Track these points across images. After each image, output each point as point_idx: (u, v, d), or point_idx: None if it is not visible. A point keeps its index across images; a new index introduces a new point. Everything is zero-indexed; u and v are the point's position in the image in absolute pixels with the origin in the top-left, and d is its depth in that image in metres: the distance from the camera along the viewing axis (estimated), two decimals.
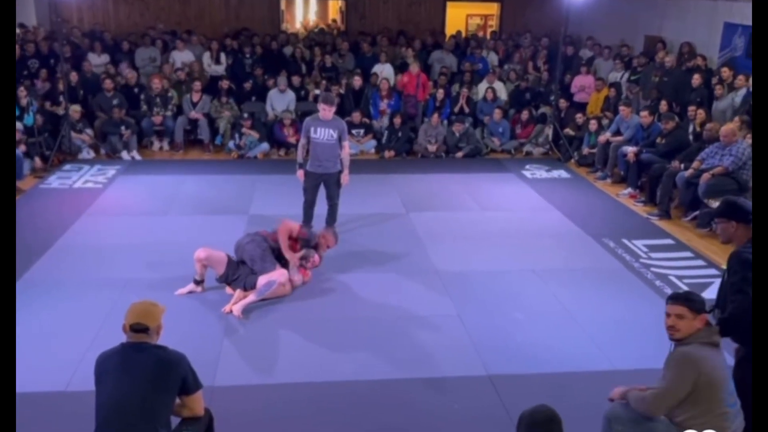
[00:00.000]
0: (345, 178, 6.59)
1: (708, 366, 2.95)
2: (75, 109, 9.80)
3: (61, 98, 9.81)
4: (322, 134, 6.36)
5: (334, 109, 6.40)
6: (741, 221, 3.27)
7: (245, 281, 5.30)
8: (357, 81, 11.11)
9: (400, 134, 10.38)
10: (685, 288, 5.69)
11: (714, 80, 8.90)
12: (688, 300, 3.06)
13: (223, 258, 5.39)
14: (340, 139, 6.41)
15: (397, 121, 10.39)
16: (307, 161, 6.54)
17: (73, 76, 10.25)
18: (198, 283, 5.43)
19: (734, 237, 3.32)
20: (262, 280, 5.22)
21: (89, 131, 9.98)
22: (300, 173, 6.58)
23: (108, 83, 10.21)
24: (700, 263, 6.38)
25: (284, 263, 5.48)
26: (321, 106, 6.36)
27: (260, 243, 5.41)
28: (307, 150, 6.53)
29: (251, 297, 5.17)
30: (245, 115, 10.08)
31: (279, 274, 5.26)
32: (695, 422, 2.98)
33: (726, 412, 2.98)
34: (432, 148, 10.26)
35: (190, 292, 5.41)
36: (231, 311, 5.10)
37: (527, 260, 6.32)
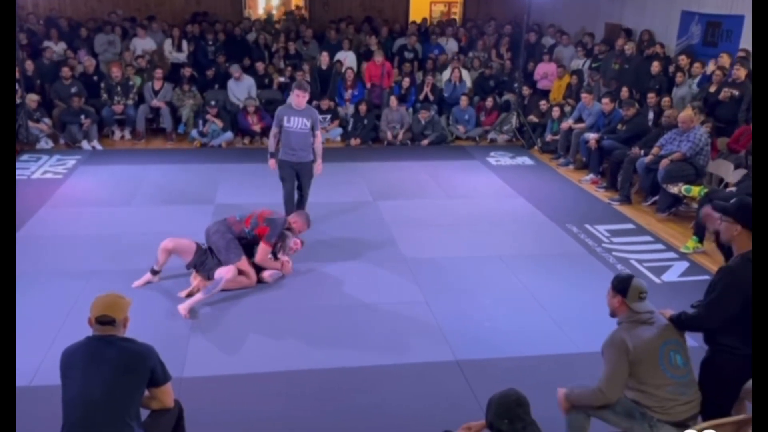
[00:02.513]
0: (318, 167, 6.56)
1: (634, 343, 3.12)
2: (32, 98, 9.54)
3: (17, 86, 9.53)
4: (296, 123, 6.32)
5: (307, 95, 6.37)
6: (747, 227, 3.05)
7: (209, 272, 5.26)
8: (324, 59, 11.03)
9: (365, 122, 10.37)
10: (645, 271, 5.86)
11: (671, 68, 9.08)
12: (613, 280, 3.32)
13: (191, 246, 5.35)
14: (313, 128, 6.39)
15: (363, 108, 10.38)
16: (279, 150, 6.50)
17: (29, 65, 9.97)
18: (155, 273, 5.39)
19: (733, 240, 3.13)
20: (216, 275, 5.16)
21: (47, 120, 9.73)
22: (271, 162, 6.54)
23: (66, 71, 9.97)
24: (660, 247, 6.54)
25: (252, 252, 5.45)
26: (295, 92, 6.30)
27: (224, 234, 5.36)
28: (278, 139, 6.49)
29: (199, 296, 5.06)
30: (212, 102, 9.92)
31: (226, 270, 5.14)
32: (646, 397, 3.12)
33: (672, 382, 3.11)
34: (398, 136, 10.27)
35: (147, 283, 5.37)
36: (185, 299, 5.06)
37: (493, 246, 6.41)
